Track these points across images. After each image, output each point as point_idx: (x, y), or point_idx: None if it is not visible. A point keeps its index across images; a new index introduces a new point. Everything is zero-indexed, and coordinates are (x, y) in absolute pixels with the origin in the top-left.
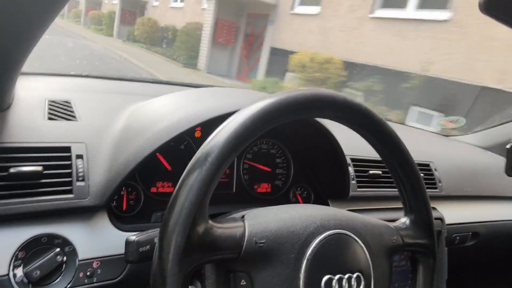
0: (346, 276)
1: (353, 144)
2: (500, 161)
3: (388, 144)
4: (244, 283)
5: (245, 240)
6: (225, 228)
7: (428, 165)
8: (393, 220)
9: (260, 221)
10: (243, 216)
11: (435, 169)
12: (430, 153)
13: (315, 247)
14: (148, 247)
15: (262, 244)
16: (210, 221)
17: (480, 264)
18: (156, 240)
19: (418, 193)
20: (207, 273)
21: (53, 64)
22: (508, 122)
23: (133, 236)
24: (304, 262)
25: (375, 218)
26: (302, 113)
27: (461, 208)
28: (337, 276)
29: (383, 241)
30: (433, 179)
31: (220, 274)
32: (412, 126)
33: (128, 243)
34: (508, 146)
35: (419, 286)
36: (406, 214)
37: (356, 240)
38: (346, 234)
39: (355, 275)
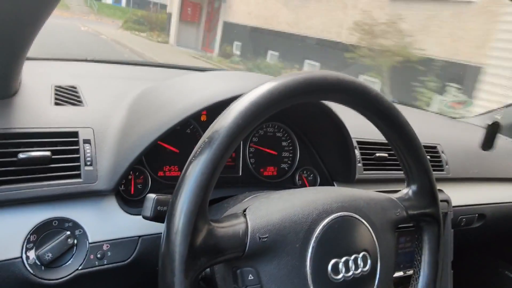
0: (352, 257)
1: (359, 126)
2: (508, 143)
3: (387, 118)
4: (252, 277)
5: (248, 238)
6: (227, 227)
7: (435, 147)
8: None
9: (262, 214)
10: (244, 210)
11: (442, 151)
12: (437, 135)
13: (319, 233)
14: (165, 208)
15: (265, 239)
16: (211, 223)
17: (486, 246)
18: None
19: (419, 162)
20: (216, 268)
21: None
22: None
23: (153, 194)
24: (309, 250)
25: (376, 192)
26: (301, 97)
27: (468, 190)
28: (343, 259)
29: (386, 216)
30: (440, 161)
31: (227, 270)
32: (420, 108)
33: (148, 199)
34: (488, 122)
35: (424, 252)
36: (408, 185)
37: (360, 220)
38: (350, 216)
39: (361, 255)
